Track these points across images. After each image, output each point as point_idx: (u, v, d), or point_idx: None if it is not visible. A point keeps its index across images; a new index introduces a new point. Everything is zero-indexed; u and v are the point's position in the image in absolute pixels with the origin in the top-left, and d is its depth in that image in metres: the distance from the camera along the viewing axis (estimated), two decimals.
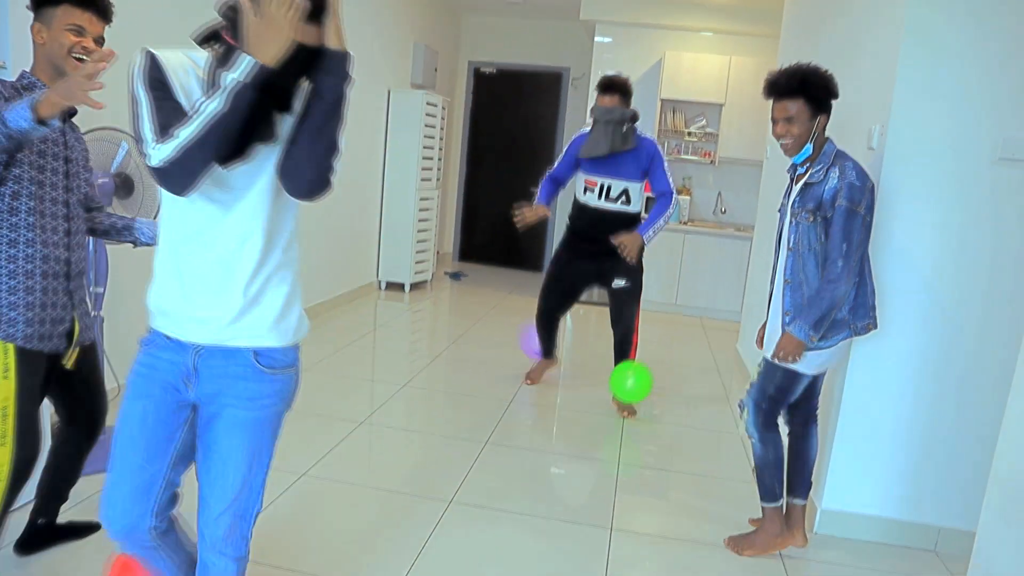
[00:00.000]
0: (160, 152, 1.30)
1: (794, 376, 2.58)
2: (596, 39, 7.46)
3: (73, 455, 2.30)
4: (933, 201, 2.70)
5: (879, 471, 2.89)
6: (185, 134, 1.29)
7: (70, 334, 2.08)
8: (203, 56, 1.44)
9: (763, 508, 2.73)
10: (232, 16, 1.37)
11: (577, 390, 4.56)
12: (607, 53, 7.48)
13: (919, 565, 2.76)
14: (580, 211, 4.07)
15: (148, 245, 2.22)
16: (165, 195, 1.43)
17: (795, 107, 2.45)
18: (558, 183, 4.15)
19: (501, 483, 3.16)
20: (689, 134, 7.21)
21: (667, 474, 3.44)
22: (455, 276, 8.00)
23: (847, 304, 2.51)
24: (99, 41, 1.99)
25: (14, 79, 1.99)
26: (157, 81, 1.37)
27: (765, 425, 2.65)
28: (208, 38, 1.42)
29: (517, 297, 7.13)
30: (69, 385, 2.19)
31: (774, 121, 2.52)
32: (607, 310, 4.26)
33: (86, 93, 1.53)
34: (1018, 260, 2.68)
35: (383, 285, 7.02)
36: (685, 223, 7.07)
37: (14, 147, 1.75)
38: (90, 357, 2.24)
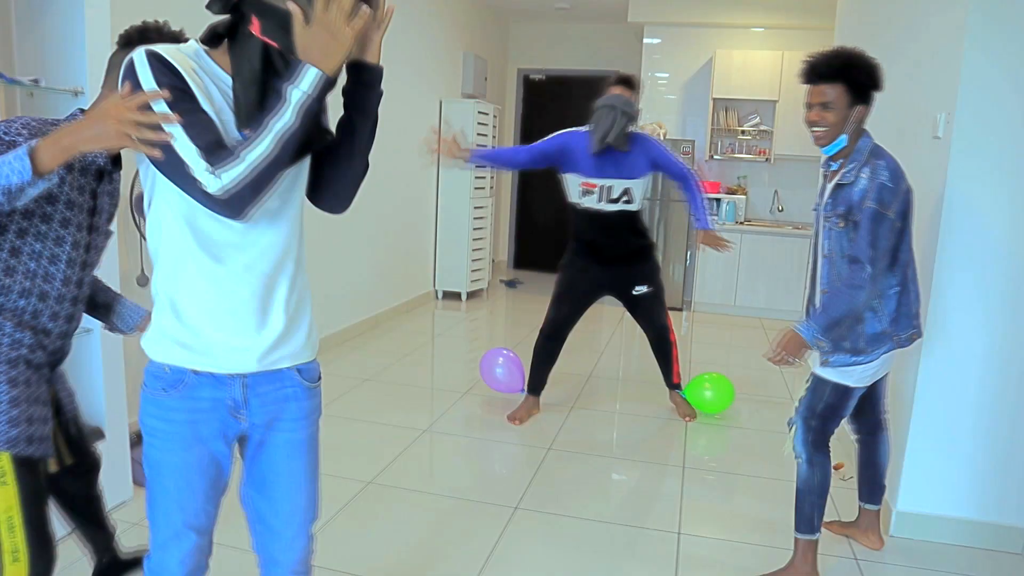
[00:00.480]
0: (224, 178, 1.19)
1: (843, 391, 2.40)
2: (645, 40, 7.42)
3: (83, 492, 2.09)
4: (1004, 193, 2.60)
5: (957, 471, 2.79)
6: (254, 156, 1.20)
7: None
8: (192, 49, 1.31)
9: (796, 540, 2.48)
10: (271, 16, 1.24)
11: (634, 393, 4.52)
12: (656, 54, 7.42)
13: (1004, 568, 2.66)
14: (583, 217, 3.80)
15: (120, 333, 2.00)
16: (174, 216, 1.31)
17: (833, 92, 2.24)
18: (512, 163, 4.11)
19: (565, 489, 3.15)
20: (743, 132, 7.10)
21: (733, 477, 3.38)
22: (511, 284, 8.03)
23: (888, 315, 2.33)
24: None
25: (71, 113, 1.76)
26: (178, 91, 1.23)
27: (815, 445, 2.45)
28: (217, 36, 1.30)
29: None
30: (75, 492, 2.04)
31: (808, 107, 2.32)
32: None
33: (137, 131, 1.20)
34: None
35: (440, 295, 7.08)
36: (741, 223, 6.96)
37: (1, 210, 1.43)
38: (80, 432, 2.02)
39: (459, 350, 5.61)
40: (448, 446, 3.62)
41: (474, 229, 7.01)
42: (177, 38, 1.72)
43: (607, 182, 3.70)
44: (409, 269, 6.51)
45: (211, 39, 1.31)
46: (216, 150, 1.21)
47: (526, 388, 4.04)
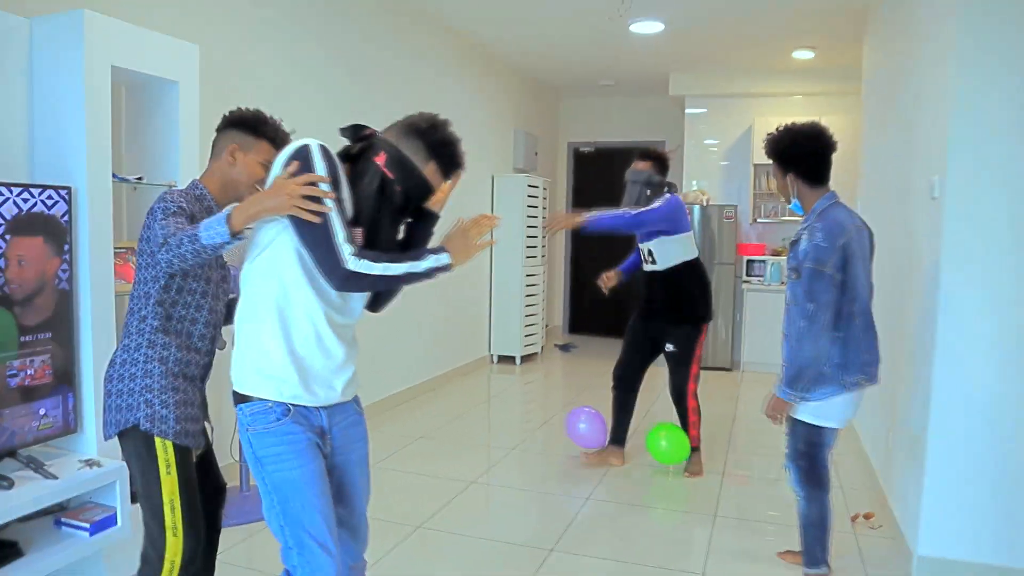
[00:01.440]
0: (360, 265, 1.63)
1: (816, 430, 2.61)
2: (687, 111, 7.77)
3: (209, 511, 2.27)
4: (1000, 245, 2.78)
5: (976, 514, 2.87)
6: (388, 270, 1.66)
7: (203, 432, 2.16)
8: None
9: (804, 574, 2.74)
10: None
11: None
12: (699, 124, 7.76)
13: None
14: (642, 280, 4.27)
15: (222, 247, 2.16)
16: (297, 275, 1.70)
17: (773, 168, 2.68)
18: (633, 262, 4.38)
19: (599, 534, 3.36)
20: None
21: (761, 524, 3.51)
22: (565, 348, 8.29)
23: (832, 360, 2.55)
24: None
25: (187, 187, 2.12)
26: (336, 183, 1.67)
27: (808, 482, 2.65)
28: (346, 157, 1.78)
29: None
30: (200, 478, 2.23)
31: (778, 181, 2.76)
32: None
33: (304, 203, 1.62)
34: None
35: (495, 359, 7.40)
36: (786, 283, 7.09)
37: (202, 262, 1.89)
38: (211, 452, 2.31)
39: (512, 410, 5.88)
40: (494, 495, 3.87)
41: (527, 296, 7.35)
42: (280, 133, 2.14)
43: (641, 245, 4.17)
44: (465, 334, 6.86)
45: (344, 157, 1.75)
46: (349, 235, 1.65)
47: (608, 439, 4.33)
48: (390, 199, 1.74)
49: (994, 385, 2.82)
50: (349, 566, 1.91)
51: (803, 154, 2.60)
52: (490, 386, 6.54)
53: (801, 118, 7.16)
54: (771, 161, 2.67)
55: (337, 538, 1.77)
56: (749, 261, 7.23)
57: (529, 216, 7.34)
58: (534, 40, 6.48)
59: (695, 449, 4.18)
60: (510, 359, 7.39)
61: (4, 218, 2.31)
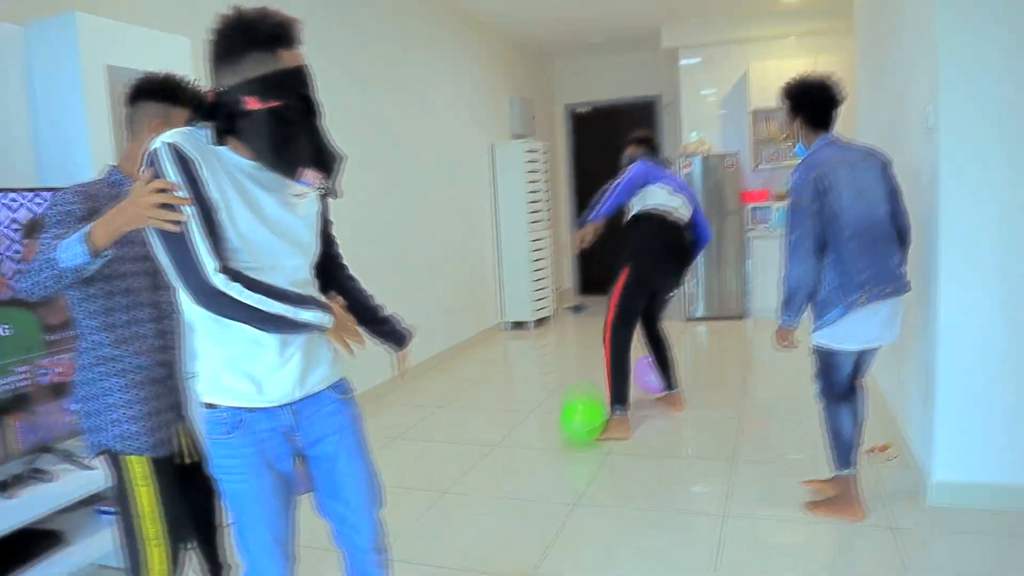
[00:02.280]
0: (230, 288, 1.45)
1: (828, 353, 2.87)
2: (681, 63, 7.73)
3: (203, 508, 2.22)
4: (996, 171, 2.80)
5: (989, 436, 2.92)
6: (260, 303, 1.47)
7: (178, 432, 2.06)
8: (207, 136, 1.53)
9: (835, 477, 2.98)
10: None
11: (694, 401, 4.76)
12: (693, 74, 7.72)
13: None
14: None
15: (84, 267, 1.97)
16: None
17: (784, 113, 2.96)
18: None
19: (623, 485, 3.45)
20: (785, 139, 7.28)
21: (780, 465, 3.59)
22: (576, 309, 8.36)
23: (830, 283, 2.76)
24: None
25: (102, 176, 1.97)
26: (196, 185, 1.47)
27: (826, 396, 2.93)
28: (221, 135, 1.52)
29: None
30: (187, 478, 2.14)
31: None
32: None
33: (159, 212, 1.46)
34: None
35: (508, 325, 7.48)
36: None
37: (72, 281, 1.73)
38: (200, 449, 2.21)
39: (528, 374, 5.97)
40: (516, 457, 3.97)
41: (534, 260, 7.40)
42: (201, 96, 1.88)
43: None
44: (476, 302, 6.93)
45: (220, 138, 1.52)
46: (220, 248, 1.48)
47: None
48: (295, 117, 1.52)
49: (1000, 307, 2.87)
50: (366, 552, 1.82)
51: (809, 101, 2.85)
52: (506, 352, 6.63)
53: (795, 60, 7.31)
54: (785, 106, 2.94)
55: (288, 555, 1.71)
56: (753, 208, 7.24)
57: (530, 181, 7.36)
58: (521, 4, 6.44)
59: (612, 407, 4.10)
60: (523, 324, 7.46)
61: (19, 223, 2.38)
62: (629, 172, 4.18)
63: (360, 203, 4.92)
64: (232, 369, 1.59)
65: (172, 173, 1.46)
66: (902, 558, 2.64)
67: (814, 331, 2.87)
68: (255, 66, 1.48)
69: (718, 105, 7.70)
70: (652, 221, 4.16)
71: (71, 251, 1.64)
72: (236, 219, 1.52)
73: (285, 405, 1.65)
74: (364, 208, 4.96)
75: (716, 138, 7.69)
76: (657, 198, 4.16)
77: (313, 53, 4.64)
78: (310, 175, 1.56)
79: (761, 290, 7.11)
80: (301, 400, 1.67)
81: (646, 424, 4.29)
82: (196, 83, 1.99)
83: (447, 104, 6.31)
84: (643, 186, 4.15)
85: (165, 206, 1.45)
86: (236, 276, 1.48)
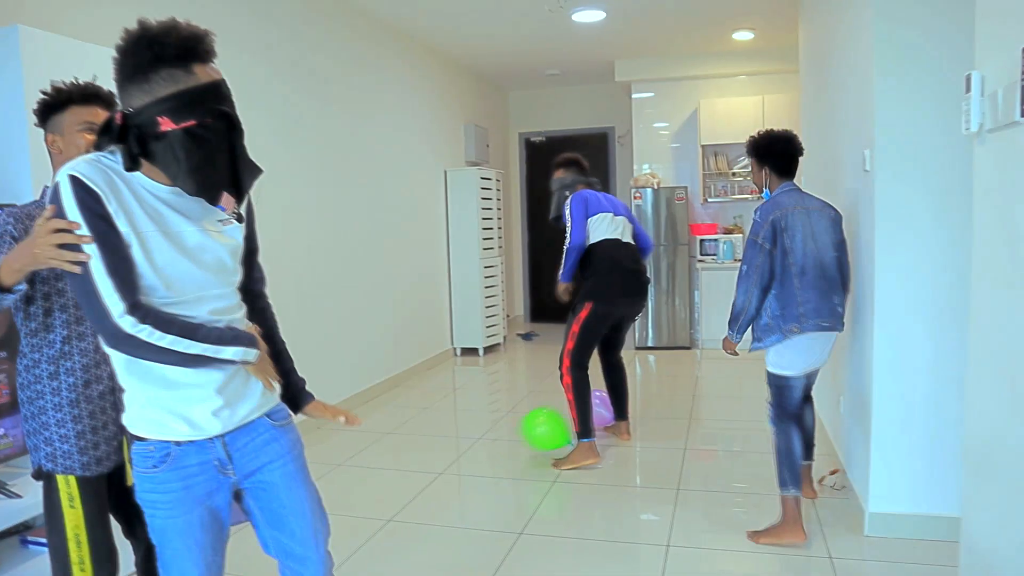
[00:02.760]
0: (138, 331, 1.38)
1: (777, 378, 3.15)
2: (633, 96, 7.89)
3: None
4: (925, 213, 2.92)
5: (917, 469, 3.01)
6: (175, 344, 1.41)
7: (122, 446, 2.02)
8: (117, 161, 1.43)
9: (780, 498, 3.09)
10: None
11: (644, 431, 4.80)
12: (646, 108, 7.89)
13: None
14: None
15: None
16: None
17: (752, 162, 3.31)
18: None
19: (567, 515, 3.44)
20: (733, 174, 7.48)
21: (724, 495, 3.64)
22: (527, 336, 8.38)
23: (771, 312, 3.07)
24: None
25: (38, 197, 1.95)
26: (101, 221, 1.38)
27: (777, 418, 3.14)
28: (134, 159, 1.42)
29: None
30: (127, 496, 2.07)
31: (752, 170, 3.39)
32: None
33: (58, 253, 1.37)
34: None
35: (458, 351, 7.45)
36: (739, 260, 7.26)
37: None
38: None
39: (477, 400, 5.94)
40: (462, 485, 3.94)
41: (486, 287, 7.42)
42: (82, 89, 1.89)
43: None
44: (427, 328, 6.89)
45: (132, 164, 1.41)
46: (131, 291, 1.39)
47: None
48: (214, 136, 1.42)
49: (929, 343, 2.96)
50: None
51: (777, 152, 3.21)
52: (455, 378, 6.60)
53: (744, 98, 7.57)
54: (751, 157, 3.29)
55: None
56: (702, 241, 7.39)
57: (484, 208, 7.39)
58: (478, 34, 6.52)
59: (579, 435, 4.10)
60: (473, 351, 7.45)
61: None
62: (571, 219, 4.17)
63: (312, 225, 4.87)
64: (156, 404, 1.52)
65: (73, 210, 1.37)
66: None
67: (767, 358, 3.16)
68: (166, 84, 1.37)
69: (670, 139, 7.88)
70: (606, 250, 4.18)
71: None
72: (152, 252, 1.44)
73: (215, 437, 1.57)
74: (316, 229, 4.92)
75: (668, 171, 7.85)
76: (600, 231, 4.18)
77: (266, 74, 4.62)
78: (226, 200, 1.45)
79: (709, 321, 7.24)
80: (233, 431, 1.60)
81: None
82: (75, 79, 1.94)
83: (401, 128, 6.33)
84: (583, 217, 4.18)
85: (66, 246, 1.37)
86: (146, 316, 1.40)
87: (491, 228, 7.57)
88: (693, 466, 4.04)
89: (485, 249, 7.42)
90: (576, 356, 4.15)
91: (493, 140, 8.60)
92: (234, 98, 1.48)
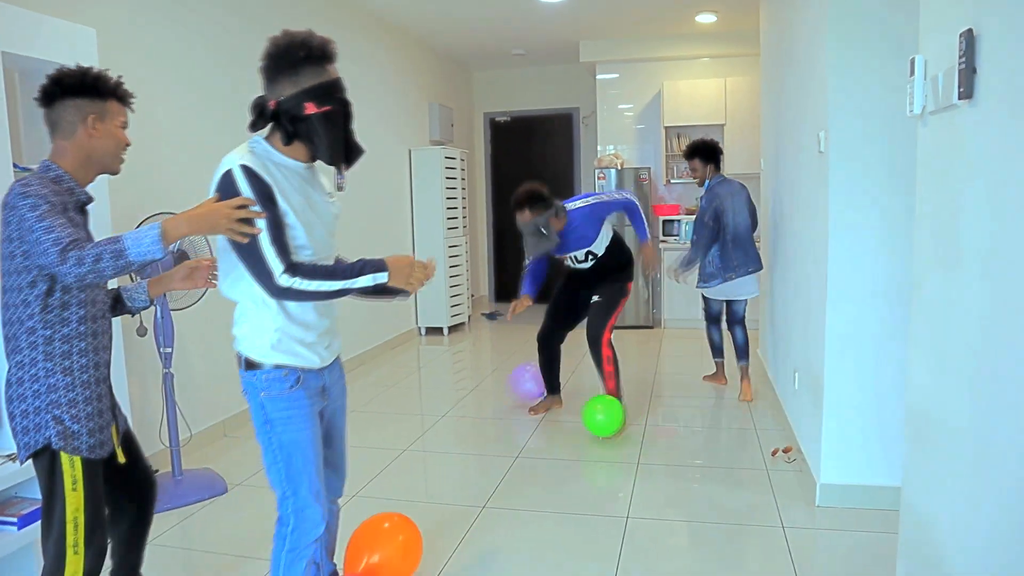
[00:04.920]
0: (293, 282, 1.79)
1: (707, 300, 5.00)
2: (598, 77, 7.92)
3: (132, 538, 2.26)
4: (879, 194, 3.01)
5: (869, 443, 3.13)
6: (324, 287, 1.83)
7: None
8: (263, 150, 1.86)
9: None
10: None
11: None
12: (610, 89, 7.93)
13: None
14: (568, 270, 4.61)
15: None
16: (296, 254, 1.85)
17: (696, 162, 4.79)
18: (536, 272, 4.62)
19: (529, 488, 3.51)
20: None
21: (682, 468, 3.74)
22: (491, 316, 8.42)
23: (715, 265, 4.69)
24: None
25: (35, 167, 1.96)
26: (268, 201, 1.78)
27: (707, 320, 5.09)
28: (289, 136, 1.86)
29: None
30: (122, 475, 2.15)
31: (690, 169, 4.89)
32: (630, 333, 4.61)
33: (237, 225, 1.76)
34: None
35: (423, 331, 7.47)
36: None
37: (124, 274, 1.78)
38: (134, 443, 2.23)
39: (442, 379, 5.98)
40: (426, 461, 3.98)
41: (450, 267, 7.43)
42: (120, 88, 1.99)
43: (570, 255, 4.42)
44: (390, 307, 6.87)
45: (288, 139, 1.84)
46: (287, 254, 1.80)
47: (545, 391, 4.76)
48: (340, 119, 1.88)
49: (878, 321, 3.07)
50: (331, 500, 2.18)
51: (716, 153, 4.81)
52: (420, 357, 6.63)
53: (707, 80, 7.85)
54: (697, 159, 4.77)
55: (325, 485, 2.02)
56: (665, 221, 7.47)
57: (448, 188, 7.39)
58: (443, 14, 6.48)
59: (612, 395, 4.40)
60: (438, 330, 7.47)
61: None
62: (600, 201, 4.30)
63: None
64: (297, 340, 1.92)
65: (248, 192, 1.76)
66: (790, 554, 2.79)
67: (702, 288, 4.88)
68: (311, 77, 1.82)
69: (634, 120, 7.93)
70: (620, 239, 4.48)
71: (144, 247, 1.74)
72: (304, 218, 1.85)
73: (323, 368, 2.02)
74: None
75: (631, 152, 7.91)
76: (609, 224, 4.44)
77: (227, 53, 4.55)
78: (344, 171, 1.93)
79: (672, 300, 7.34)
80: (329, 365, 2.06)
81: (552, 428, 4.38)
82: (109, 73, 1.99)
83: (365, 107, 6.24)
84: (599, 221, 4.32)
85: (242, 220, 1.75)
86: (296, 271, 1.79)
87: (456, 208, 7.57)
88: (653, 442, 4.13)
89: (450, 229, 7.42)
90: (611, 332, 4.45)
91: (458, 120, 8.58)
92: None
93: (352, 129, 1.93)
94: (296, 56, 1.81)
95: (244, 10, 4.59)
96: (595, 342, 4.43)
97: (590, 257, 4.38)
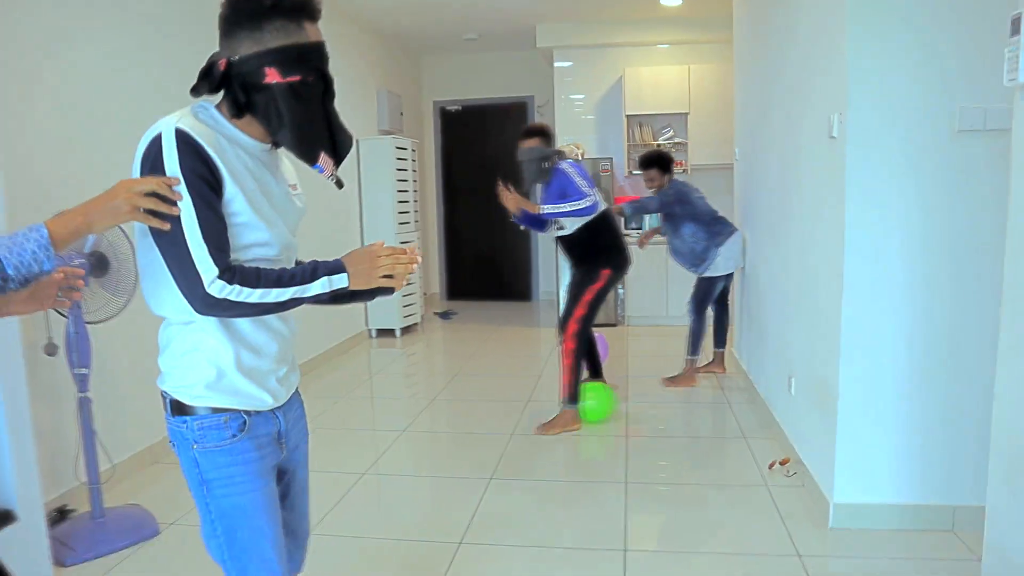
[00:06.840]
0: (229, 293, 1.32)
1: (709, 281, 4.98)
2: (555, 64, 7.56)
3: None
4: (900, 183, 2.71)
5: (885, 458, 2.85)
6: (265, 296, 1.35)
7: None
8: (212, 119, 1.40)
9: (686, 360, 5.01)
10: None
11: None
12: (568, 76, 7.56)
13: (938, 546, 2.72)
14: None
15: (37, 277, 1.31)
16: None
17: (654, 172, 5.01)
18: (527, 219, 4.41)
19: (509, 517, 3.11)
20: (659, 146, 7.26)
21: (676, 488, 3.40)
22: (445, 315, 7.98)
23: (700, 241, 4.89)
24: None
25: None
26: (203, 182, 1.31)
27: (697, 311, 5.04)
28: (239, 108, 1.40)
29: (508, 328, 7.11)
30: None
31: (647, 179, 5.07)
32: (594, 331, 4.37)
33: (151, 203, 1.28)
34: (986, 232, 2.65)
35: (374, 333, 6.99)
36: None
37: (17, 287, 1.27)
38: None
39: (397, 387, 5.53)
40: (390, 487, 3.54)
41: None
42: None
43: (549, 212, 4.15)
44: (338, 309, 6.40)
45: (238, 112, 1.40)
46: (224, 253, 1.33)
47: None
48: (314, 95, 1.43)
49: (899, 328, 2.77)
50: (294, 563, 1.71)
51: (671, 163, 5.05)
52: (371, 363, 6.15)
53: (669, 67, 7.78)
54: (654, 168, 4.99)
55: (285, 562, 1.55)
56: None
57: (399, 180, 6.92)
58: None
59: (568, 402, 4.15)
60: (390, 332, 7.00)
61: None
62: (580, 180, 4.09)
63: None
64: (238, 369, 1.44)
65: (174, 166, 1.29)
66: None
67: (701, 271, 4.99)
68: (278, 35, 1.37)
69: (593, 109, 7.59)
70: (608, 219, 4.21)
71: (33, 255, 1.24)
72: (260, 209, 1.41)
73: (277, 408, 1.54)
74: None
75: (591, 142, 7.57)
76: (599, 200, 4.16)
77: (154, 35, 3.91)
78: (324, 161, 1.45)
79: (635, 296, 7.03)
80: (286, 403, 1.57)
81: (522, 441, 3.99)
82: None
83: None
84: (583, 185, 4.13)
85: (158, 203, 1.27)
86: (234, 276, 1.33)
87: (407, 202, 7.11)
88: (637, 456, 3.78)
89: (401, 224, 6.95)
90: (584, 323, 4.11)
91: (407, 108, 8.09)
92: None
93: (334, 110, 1.47)
94: (262, 4, 1.36)
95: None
96: (561, 327, 4.18)
97: (557, 228, 4.26)
